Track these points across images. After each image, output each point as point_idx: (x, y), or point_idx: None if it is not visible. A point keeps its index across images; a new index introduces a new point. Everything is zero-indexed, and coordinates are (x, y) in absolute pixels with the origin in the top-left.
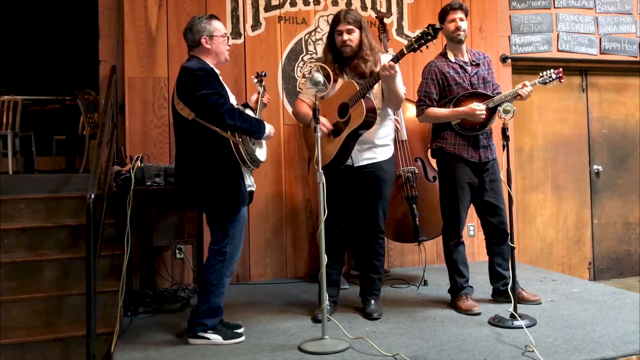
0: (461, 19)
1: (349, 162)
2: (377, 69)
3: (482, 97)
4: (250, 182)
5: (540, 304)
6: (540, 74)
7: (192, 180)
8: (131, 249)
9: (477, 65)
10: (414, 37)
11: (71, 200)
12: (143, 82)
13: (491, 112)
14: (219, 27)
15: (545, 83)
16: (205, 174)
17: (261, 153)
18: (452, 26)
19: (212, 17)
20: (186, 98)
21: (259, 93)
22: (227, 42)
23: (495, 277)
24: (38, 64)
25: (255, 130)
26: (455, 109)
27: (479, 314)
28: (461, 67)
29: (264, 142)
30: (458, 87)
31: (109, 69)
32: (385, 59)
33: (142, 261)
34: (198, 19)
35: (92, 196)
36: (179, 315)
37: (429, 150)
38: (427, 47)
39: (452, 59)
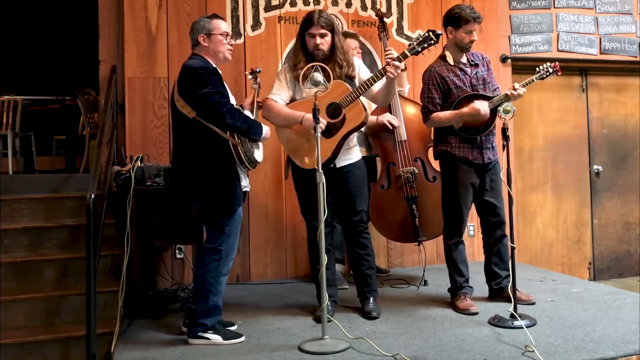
0: (476, 31)
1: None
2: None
3: (482, 99)
4: (245, 182)
5: (533, 304)
6: (537, 69)
7: (190, 179)
8: (131, 249)
9: (476, 65)
10: (416, 41)
11: (71, 200)
12: (143, 82)
13: (492, 112)
14: (219, 26)
15: (542, 78)
16: (203, 173)
17: (259, 154)
18: (468, 38)
19: (215, 16)
20: (187, 96)
21: (253, 94)
22: (229, 41)
23: (491, 276)
24: (38, 64)
25: (253, 131)
26: (459, 111)
27: (476, 313)
28: (460, 69)
29: (260, 143)
30: (458, 90)
31: (109, 69)
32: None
33: (142, 261)
34: (200, 18)
35: (92, 196)
36: (179, 315)
37: (431, 152)
38: (429, 50)
39: (450, 61)
